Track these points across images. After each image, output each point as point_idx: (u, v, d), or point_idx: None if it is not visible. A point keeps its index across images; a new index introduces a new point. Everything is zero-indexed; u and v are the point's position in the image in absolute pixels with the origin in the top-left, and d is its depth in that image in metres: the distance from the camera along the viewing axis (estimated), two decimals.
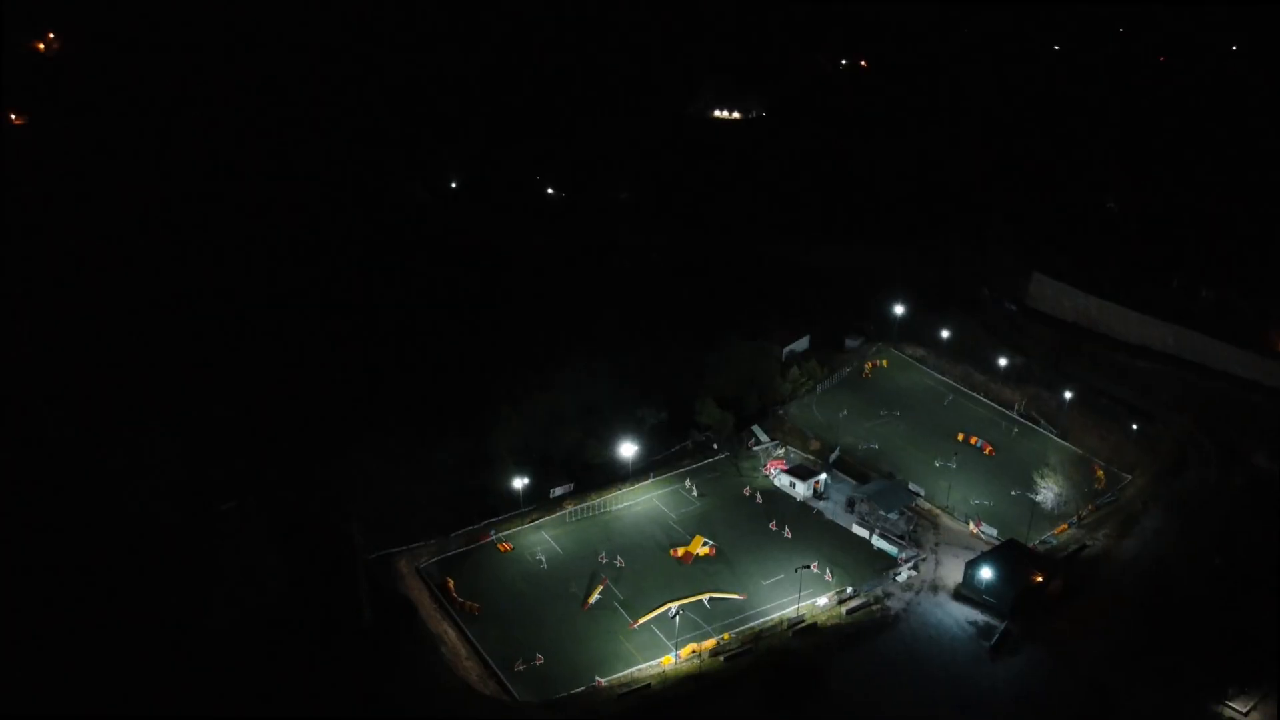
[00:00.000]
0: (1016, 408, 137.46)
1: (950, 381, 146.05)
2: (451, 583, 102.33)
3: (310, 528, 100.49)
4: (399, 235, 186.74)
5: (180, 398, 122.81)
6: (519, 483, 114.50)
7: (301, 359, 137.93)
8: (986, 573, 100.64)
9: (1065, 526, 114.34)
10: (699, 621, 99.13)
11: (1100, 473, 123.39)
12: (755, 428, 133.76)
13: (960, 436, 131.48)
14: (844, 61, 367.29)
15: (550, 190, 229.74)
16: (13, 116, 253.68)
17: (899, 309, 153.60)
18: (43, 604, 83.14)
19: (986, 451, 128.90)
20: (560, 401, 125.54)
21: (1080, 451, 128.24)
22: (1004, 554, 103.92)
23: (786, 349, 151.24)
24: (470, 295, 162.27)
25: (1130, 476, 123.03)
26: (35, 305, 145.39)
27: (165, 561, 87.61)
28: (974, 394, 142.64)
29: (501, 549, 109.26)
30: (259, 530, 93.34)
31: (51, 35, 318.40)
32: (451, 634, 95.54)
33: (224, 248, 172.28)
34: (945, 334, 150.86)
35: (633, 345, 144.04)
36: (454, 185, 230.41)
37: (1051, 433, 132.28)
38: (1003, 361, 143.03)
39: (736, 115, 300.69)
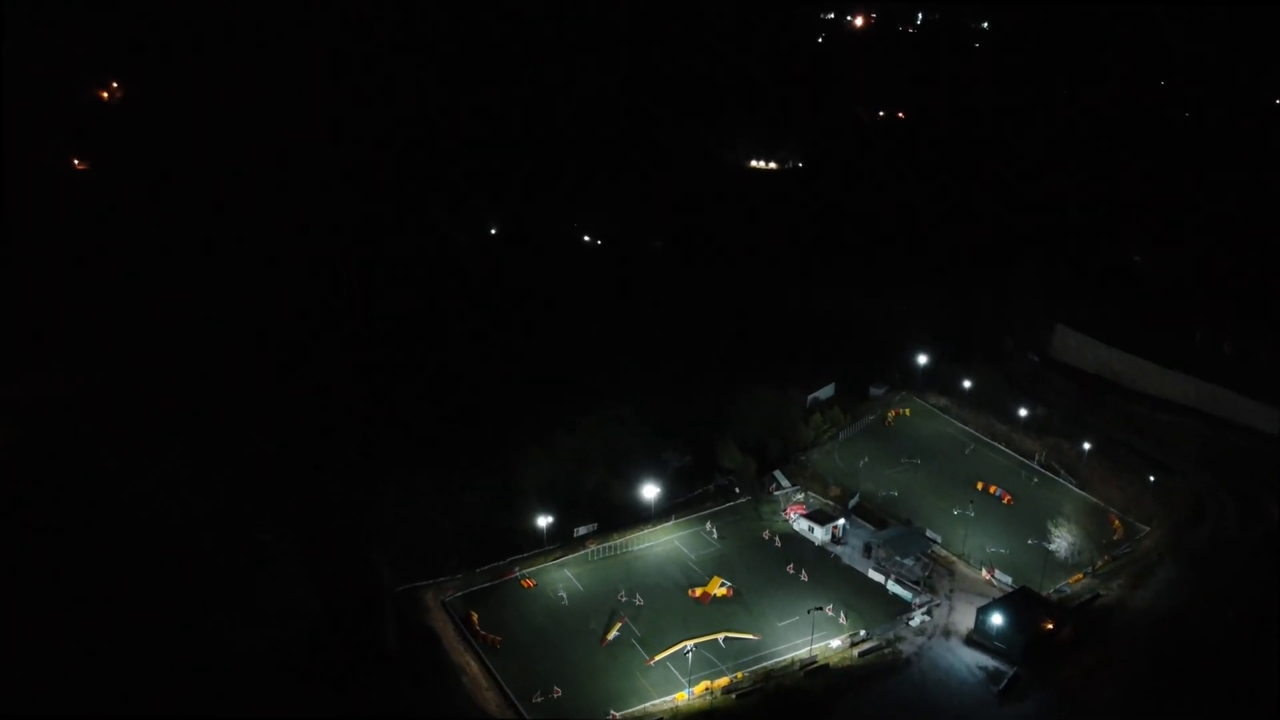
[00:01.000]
0: (1037, 458, 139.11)
1: (972, 431, 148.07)
2: (475, 616, 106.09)
3: (343, 559, 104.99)
4: (438, 278, 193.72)
5: (224, 430, 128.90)
6: (544, 521, 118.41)
7: (340, 397, 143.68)
8: (997, 619, 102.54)
9: (1080, 576, 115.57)
10: (713, 660, 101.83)
11: (1118, 524, 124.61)
12: (777, 473, 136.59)
13: (980, 485, 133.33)
14: (881, 113, 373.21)
15: (586, 238, 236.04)
16: (75, 162, 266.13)
17: (923, 358, 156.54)
18: (83, 627, 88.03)
19: (1005, 500, 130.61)
20: (587, 443, 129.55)
21: (1099, 502, 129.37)
22: (1015, 601, 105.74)
23: (811, 396, 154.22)
24: (502, 338, 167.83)
25: (1148, 528, 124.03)
26: (92, 339, 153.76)
27: (204, 586, 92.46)
28: (995, 443, 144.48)
29: (525, 585, 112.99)
30: (294, 560, 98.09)
31: (115, 84, 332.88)
32: (473, 665, 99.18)
33: (270, 289, 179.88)
34: (968, 384, 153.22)
35: (660, 389, 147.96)
36: (493, 231, 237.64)
37: (1071, 483, 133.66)
38: (1024, 412, 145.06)
39: (773, 165, 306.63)
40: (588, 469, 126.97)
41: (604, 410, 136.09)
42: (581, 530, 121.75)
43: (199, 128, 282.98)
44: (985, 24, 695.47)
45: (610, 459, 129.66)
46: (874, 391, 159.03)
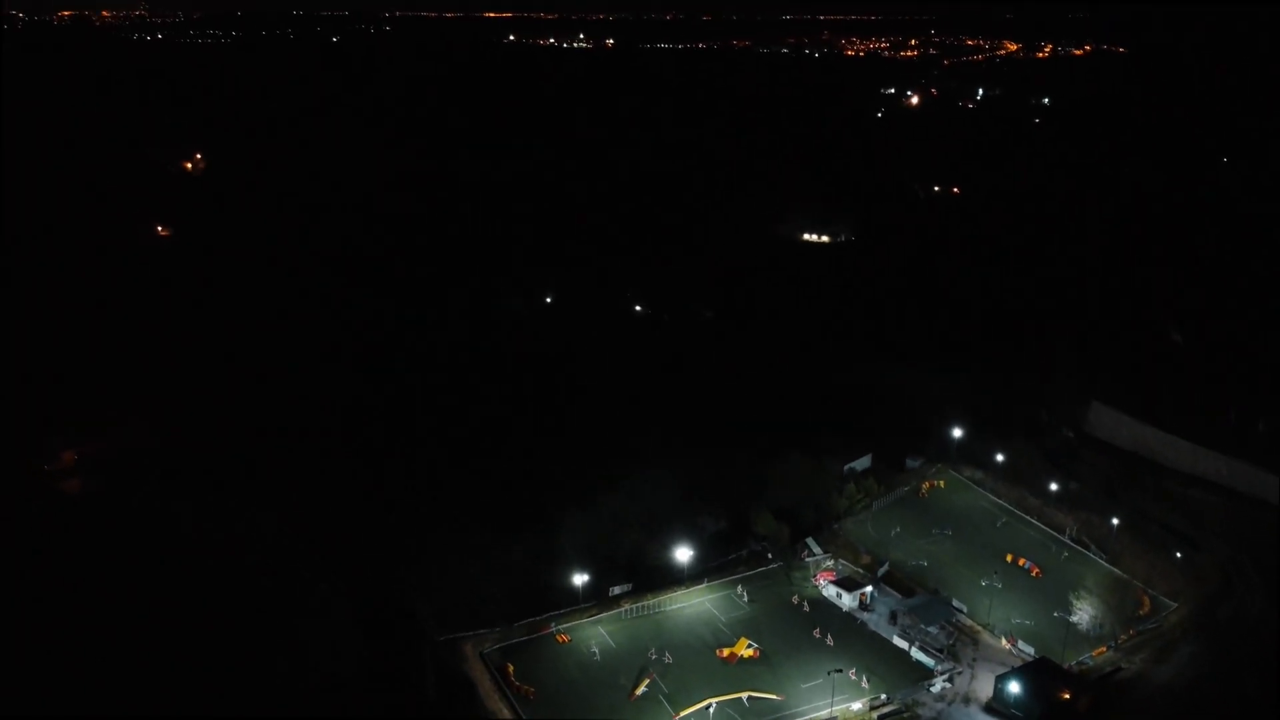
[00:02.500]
0: (1068, 532, 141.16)
1: (1005, 504, 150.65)
2: (511, 668, 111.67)
3: (390, 608, 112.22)
4: (493, 343, 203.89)
5: (288, 485, 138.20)
6: (581, 580, 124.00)
7: (394, 457, 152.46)
8: (1015, 687, 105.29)
9: (1104, 649, 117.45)
10: (736, 717, 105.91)
11: (1145, 599, 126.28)
12: (809, 540, 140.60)
13: (1009, 558, 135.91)
14: (936, 188, 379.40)
15: (638, 307, 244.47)
16: (159, 229, 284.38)
17: (958, 431, 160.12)
18: (154, 655, 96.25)
19: (1034, 573, 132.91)
20: (626, 505, 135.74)
21: (1127, 577, 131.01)
22: (1034, 670, 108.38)
23: (848, 465, 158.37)
24: (550, 402, 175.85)
25: (1175, 604, 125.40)
26: (167, 397, 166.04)
27: (262, 625, 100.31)
28: (1027, 517, 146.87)
29: (560, 640, 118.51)
30: (345, 606, 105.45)
31: (198, 156, 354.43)
32: (506, 714, 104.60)
33: (331, 353, 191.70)
34: (1002, 457, 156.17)
35: (699, 454, 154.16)
36: (548, 300, 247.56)
37: (1101, 558, 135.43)
38: (1056, 486, 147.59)
39: (825, 239, 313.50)
40: (625, 531, 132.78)
41: (644, 474, 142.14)
42: (617, 590, 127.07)
43: (272, 195, 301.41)
44: (1046, 100, 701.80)
45: (648, 521, 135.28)
46: (910, 463, 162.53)
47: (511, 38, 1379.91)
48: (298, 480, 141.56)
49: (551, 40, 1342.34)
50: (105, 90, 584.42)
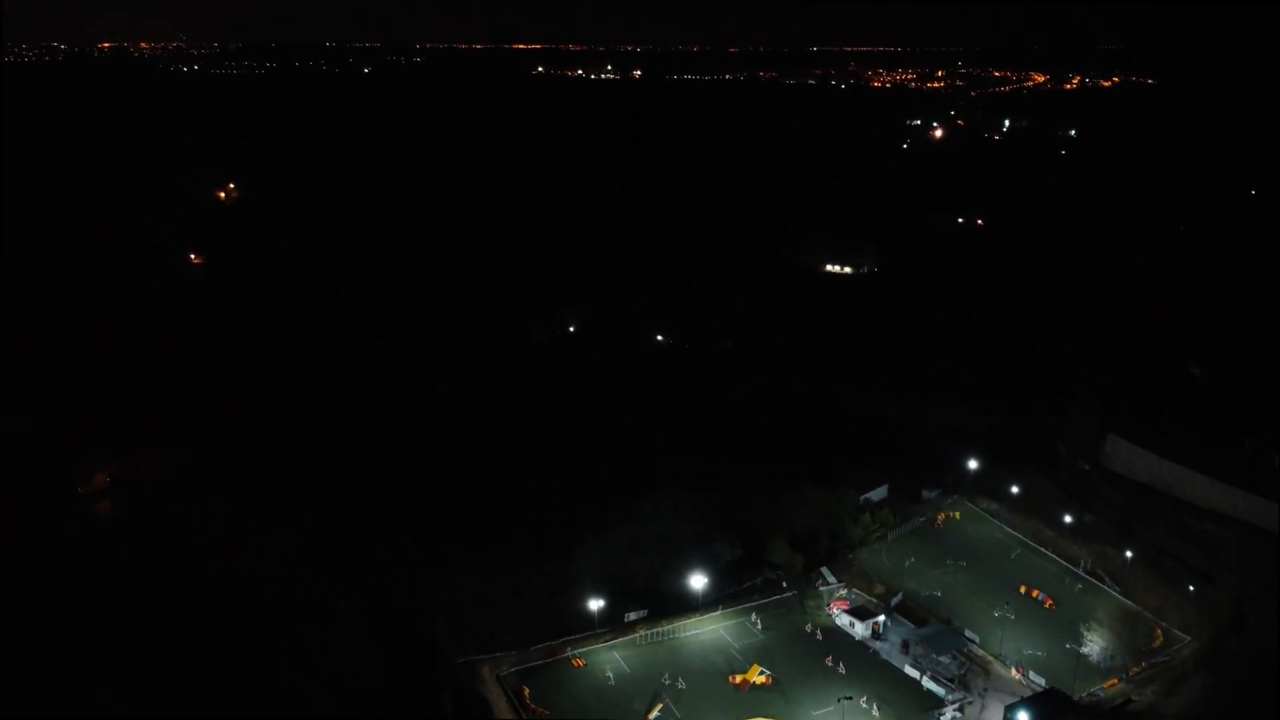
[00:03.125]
0: (1082, 564, 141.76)
1: (1020, 536, 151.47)
2: (527, 691, 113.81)
3: (408, 630, 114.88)
4: (517, 373, 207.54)
5: (309, 507, 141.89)
6: (597, 605, 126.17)
7: (416, 481, 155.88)
8: (1024, 717, 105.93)
9: (1115, 681, 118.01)
10: None
11: (1158, 631, 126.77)
12: (824, 569, 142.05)
13: (1023, 589, 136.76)
14: (960, 219, 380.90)
15: (660, 337, 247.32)
16: (192, 257, 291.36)
17: (974, 463, 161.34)
18: (169, 675, 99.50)
19: (1047, 605, 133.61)
20: (642, 532, 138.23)
21: (1140, 610, 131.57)
22: (1043, 701, 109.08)
23: (864, 496, 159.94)
24: (569, 429, 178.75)
25: (1188, 637, 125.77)
26: (193, 422, 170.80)
27: (283, 642, 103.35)
28: (1042, 549, 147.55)
29: (575, 664, 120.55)
30: (364, 627, 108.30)
31: (231, 185, 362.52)
32: None
33: (353, 379, 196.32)
34: (1017, 489, 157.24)
35: (716, 482, 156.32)
36: (571, 329, 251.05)
37: (1114, 590, 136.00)
38: (1071, 519, 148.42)
39: (848, 270, 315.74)
40: (641, 557, 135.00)
41: (661, 500, 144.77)
42: (632, 615, 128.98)
43: (303, 228, 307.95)
44: (1072, 131, 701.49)
45: (664, 548, 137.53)
46: (926, 495, 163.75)
47: (540, 69, 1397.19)
48: (321, 502, 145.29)
49: (579, 71, 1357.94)
50: (143, 121, 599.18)
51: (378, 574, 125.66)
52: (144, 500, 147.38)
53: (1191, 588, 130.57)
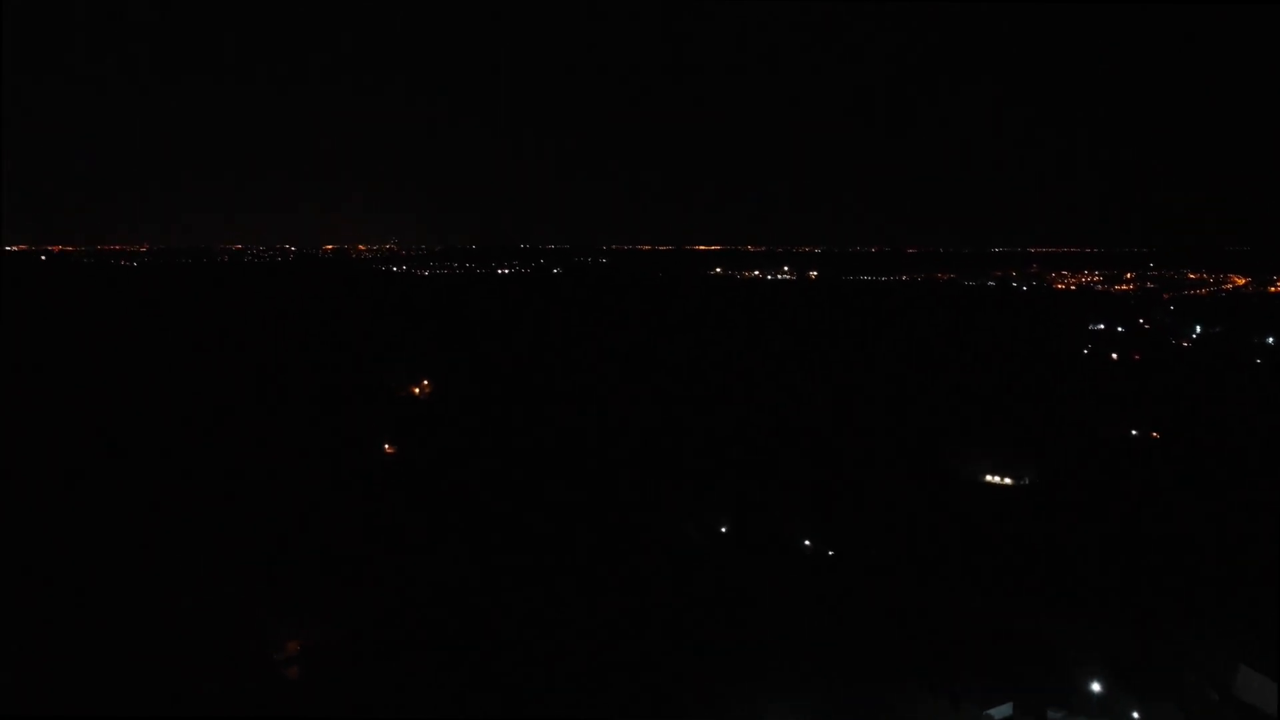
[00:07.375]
0: None
1: None
2: None
3: None
4: (678, 573, 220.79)
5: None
6: None
7: (569, 659, 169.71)
8: None
9: None
10: None
11: None
12: None
13: None
14: (1134, 432, 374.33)
15: (807, 542, 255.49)
16: (386, 446, 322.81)
17: (1097, 686, 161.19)
18: None
19: None
20: None
21: None
22: None
23: (986, 712, 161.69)
24: (703, 632, 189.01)
25: None
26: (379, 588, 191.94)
27: None
28: None
29: None
30: None
31: (425, 381, 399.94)
32: None
33: (522, 574, 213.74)
34: (1137, 715, 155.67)
35: (838, 688, 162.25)
36: (723, 530, 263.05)
37: None
38: None
39: (1008, 481, 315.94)
40: None
41: (782, 705, 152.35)
42: None
43: (488, 412, 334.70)
44: (1270, 339, 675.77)
45: None
46: (1052, 715, 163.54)
47: (718, 270, 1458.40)
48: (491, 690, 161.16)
49: (755, 272, 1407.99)
50: (355, 317, 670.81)
51: None
52: (333, 666, 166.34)
53: None
